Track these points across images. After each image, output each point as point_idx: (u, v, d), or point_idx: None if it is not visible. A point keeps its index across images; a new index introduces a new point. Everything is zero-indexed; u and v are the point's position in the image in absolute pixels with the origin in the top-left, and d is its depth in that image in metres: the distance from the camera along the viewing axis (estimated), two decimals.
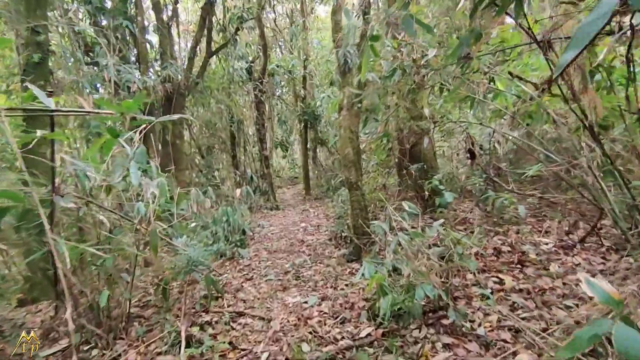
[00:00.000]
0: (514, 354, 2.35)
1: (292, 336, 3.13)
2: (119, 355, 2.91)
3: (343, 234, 6.06)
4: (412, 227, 4.17)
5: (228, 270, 5.41)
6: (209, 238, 6.18)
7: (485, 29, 2.64)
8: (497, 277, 3.43)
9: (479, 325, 2.73)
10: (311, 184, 14.05)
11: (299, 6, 14.33)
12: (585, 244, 4.01)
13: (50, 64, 6.18)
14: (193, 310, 3.54)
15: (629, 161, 3.59)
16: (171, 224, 3.36)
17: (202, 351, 2.87)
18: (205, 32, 8.89)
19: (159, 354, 2.90)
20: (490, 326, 2.69)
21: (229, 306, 3.82)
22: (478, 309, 2.92)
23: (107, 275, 3.17)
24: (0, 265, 4.07)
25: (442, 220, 3.83)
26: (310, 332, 3.17)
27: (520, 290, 3.09)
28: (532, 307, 2.82)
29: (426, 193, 6.37)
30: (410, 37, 4.58)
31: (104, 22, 7.21)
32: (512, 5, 2.22)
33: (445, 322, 2.85)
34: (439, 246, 3.85)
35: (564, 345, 1.32)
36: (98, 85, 6.94)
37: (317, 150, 15.22)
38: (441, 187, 3.94)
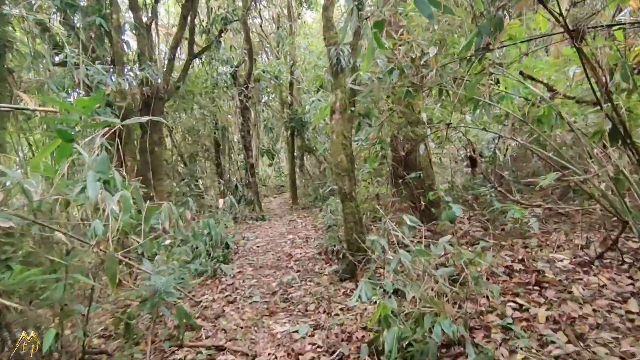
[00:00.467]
0: None
1: None
2: None
3: (334, 248, 5.60)
4: (416, 242, 3.75)
5: (209, 291, 4.89)
6: (188, 254, 5.64)
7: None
8: (515, 301, 3.01)
9: None
10: (298, 193, 13.57)
11: (285, 11, 13.97)
12: (604, 260, 3.64)
13: (11, 62, 5.64)
14: (164, 346, 3.03)
15: None
16: (139, 243, 2.86)
17: None
18: (188, 33, 8.41)
19: None
20: None
21: (207, 337, 3.31)
22: (500, 344, 2.49)
23: (62, 305, 2.65)
24: None
25: (449, 237, 3.40)
26: None
27: (546, 319, 2.67)
28: (564, 341, 2.40)
29: (422, 204, 5.98)
30: (428, 19, 4.20)
31: (77, 20, 6.68)
32: None
33: None
34: (446, 266, 3.42)
35: None
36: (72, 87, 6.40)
37: (305, 158, 14.76)
38: (448, 198, 3.53)
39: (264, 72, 12.77)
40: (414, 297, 3.14)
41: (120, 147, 7.21)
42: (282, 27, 12.23)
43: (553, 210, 4.75)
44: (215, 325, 3.62)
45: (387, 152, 6.32)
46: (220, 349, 3.04)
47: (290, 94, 13.11)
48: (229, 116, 12.72)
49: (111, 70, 6.66)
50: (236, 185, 12.06)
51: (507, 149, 5.80)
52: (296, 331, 3.33)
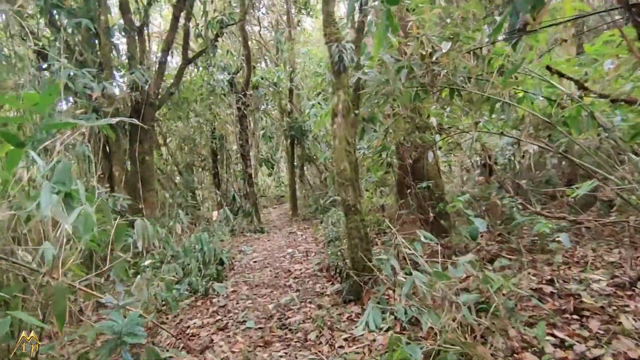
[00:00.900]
0: None
1: None
2: None
3: (337, 265, 5.12)
4: (430, 261, 3.28)
5: (198, 314, 4.41)
6: (178, 272, 5.17)
7: None
8: (554, 334, 2.54)
9: None
10: (298, 204, 13.11)
11: (285, 17, 13.66)
12: None
13: None
14: None
15: None
16: (107, 267, 2.40)
17: None
18: (183, 35, 8.05)
19: None
20: None
21: None
22: None
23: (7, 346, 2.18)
24: None
25: (471, 256, 2.95)
26: None
27: None
28: None
29: (432, 216, 5.53)
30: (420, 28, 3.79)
31: (64, 21, 6.30)
32: None
33: None
34: (469, 291, 2.96)
35: None
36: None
37: (305, 167, 14.32)
38: (469, 211, 3.08)
39: (262, 79, 12.40)
40: (432, 328, 2.67)
41: (107, 156, 6.83)
42: (281, 32, 11.86)
43: (580, 223, 4.28)
44: None
45: (392, 160, 5.89)
46: None
47: (289, 101, 12.72)
48: (227, 125, 12.32)
49: (98, 74, 6.26)
50: (234, 196, 11.62)
51: (523, 156, 5.37)
52: None
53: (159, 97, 7.73)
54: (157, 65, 7.22)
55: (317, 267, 5.87)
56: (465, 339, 2.34)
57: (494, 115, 4.32)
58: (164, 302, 4.32)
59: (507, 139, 5.26)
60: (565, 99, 3.57)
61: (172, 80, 8.13)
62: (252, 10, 12.69)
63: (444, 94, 4.78)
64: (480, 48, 3.85)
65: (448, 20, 3.93)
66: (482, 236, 5.66)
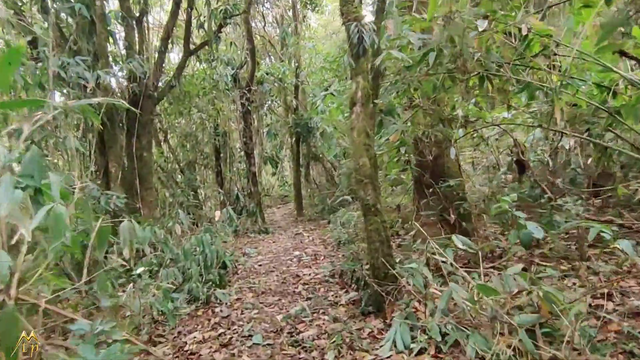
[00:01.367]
0: None
1: None
2: None
3: (352, 271, 4.66)
4: (461, 268, 2.83)
5: (199, 326, 3.96)
6: (177, 277, 4.73)
7: None
8: None
9: None
10: (304, 204, 12.66)
11: (290, 13, 13.20)
12: None
13: None
14: None
15: None
16: (85, 279, 1.96)
17: None
18: (184, 26, 7.61)
19: None
20: None
21: None
22: None
23: None
24: None
25: (520, 266, 2.48)
26: None
27: None
28: None
29: (453, 217, 5.07)
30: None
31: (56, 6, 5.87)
32: None
33: None
34: (522, 308, 2.49)
35: None
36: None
37: (311, 166, 13.86)
38: (520, 214, 2.60)
39: (267, 74, 11.96)
40: (481, 356, 2.21)
41: (103, 152, 6.39)
42: (287, 23, 11.42)
43: (629, 227, 3.81)
44: None
45: (410, 157, 5.42)
46: None
47: (295, 97, 12.27)
48: (230, 121, 11.87)
49: (93, 64, 5.83)
50: (237, 196, 11.16)
51: (556, 152, 4.90)
52: None
53: (159, 90, 7.31)
54: (156, 55, 6.77)
55: (327, 271, 5.41)
56: None
57: (534, 106, 3.85)
58: (161, 311, 3.88)
59: (538, 134, 4.79)
60: (622, 85, 3.11)
61: (173, 73, 7.71)
62: (256, 5, 12.28)
63: (471, 82, 4.32)
64: (519, 29, 3.39)
65: None
66: (506, 239, 5.21)
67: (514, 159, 4.20)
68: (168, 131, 11.00)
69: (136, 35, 6.85)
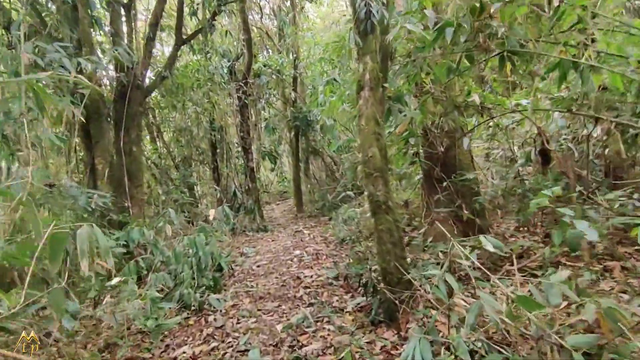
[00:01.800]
0: None
1: None
2: None
3: (361, 274, 4.26)
4: (497, 277, 2.43)
5: (189, 338, 3.56)
6: (167, 282, 4.33)
7: None
8: None
9: None
10: (304, 200, 12.25)
11: (288, 3, 12.73)
12: None
13: None
14: None
15: None
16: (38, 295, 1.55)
17: None
18: (176, 13, 7.16)
19: None
20: None
21: None
22: None
23: None
24: None
25: (567, 273, 2.08)
26: None
27: None
28: None
29: (466, 214, 4.67)
30: None
31: None
32: None
33: None
34: (570, 326, 2.08)
35: None
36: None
37: (310, 161, 13.42)
38: (568, 211, 2.18)
39: (264, 66, 11.50)
40: None
41: (89, 147, 5.96)
42: (285, 11, 10.96)
43: None
44: None
45: (419, 149, 5.01)
46: None
47: (293, 89, 11.83)
48: (227, 115, 11.43)
49: (76, 52, 5.39)
50: (235, 192, 10.74)
51: (580, 141, 4.49)
52: None
53: (151, 81, 6.88)
54: (144, 42, 6.32)
55: (330, 272, 5.02)
56: None
57: (562, 90, 3.43)
58: (147, 319, 3.48)
59: (562, 121, 4.38)
60: None
61: (165, 64, 7.27)
62: None
63: (489, 64, 3.91)
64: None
65: None
66: (523, 236, 4.82)
67: (537, 149, 3.79)
68: (161, 126, 10.56)
69: (124, 22, 6.39)
